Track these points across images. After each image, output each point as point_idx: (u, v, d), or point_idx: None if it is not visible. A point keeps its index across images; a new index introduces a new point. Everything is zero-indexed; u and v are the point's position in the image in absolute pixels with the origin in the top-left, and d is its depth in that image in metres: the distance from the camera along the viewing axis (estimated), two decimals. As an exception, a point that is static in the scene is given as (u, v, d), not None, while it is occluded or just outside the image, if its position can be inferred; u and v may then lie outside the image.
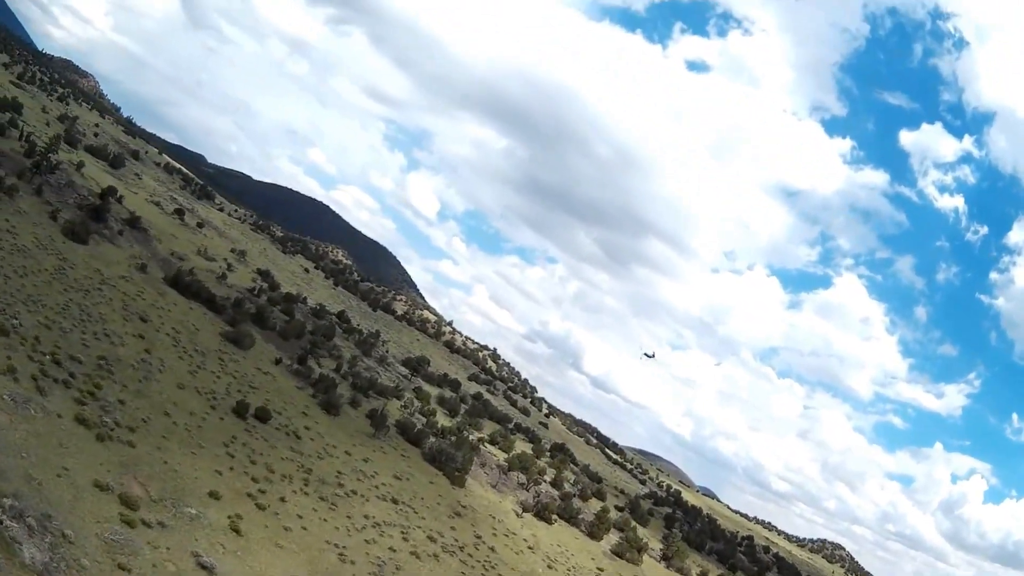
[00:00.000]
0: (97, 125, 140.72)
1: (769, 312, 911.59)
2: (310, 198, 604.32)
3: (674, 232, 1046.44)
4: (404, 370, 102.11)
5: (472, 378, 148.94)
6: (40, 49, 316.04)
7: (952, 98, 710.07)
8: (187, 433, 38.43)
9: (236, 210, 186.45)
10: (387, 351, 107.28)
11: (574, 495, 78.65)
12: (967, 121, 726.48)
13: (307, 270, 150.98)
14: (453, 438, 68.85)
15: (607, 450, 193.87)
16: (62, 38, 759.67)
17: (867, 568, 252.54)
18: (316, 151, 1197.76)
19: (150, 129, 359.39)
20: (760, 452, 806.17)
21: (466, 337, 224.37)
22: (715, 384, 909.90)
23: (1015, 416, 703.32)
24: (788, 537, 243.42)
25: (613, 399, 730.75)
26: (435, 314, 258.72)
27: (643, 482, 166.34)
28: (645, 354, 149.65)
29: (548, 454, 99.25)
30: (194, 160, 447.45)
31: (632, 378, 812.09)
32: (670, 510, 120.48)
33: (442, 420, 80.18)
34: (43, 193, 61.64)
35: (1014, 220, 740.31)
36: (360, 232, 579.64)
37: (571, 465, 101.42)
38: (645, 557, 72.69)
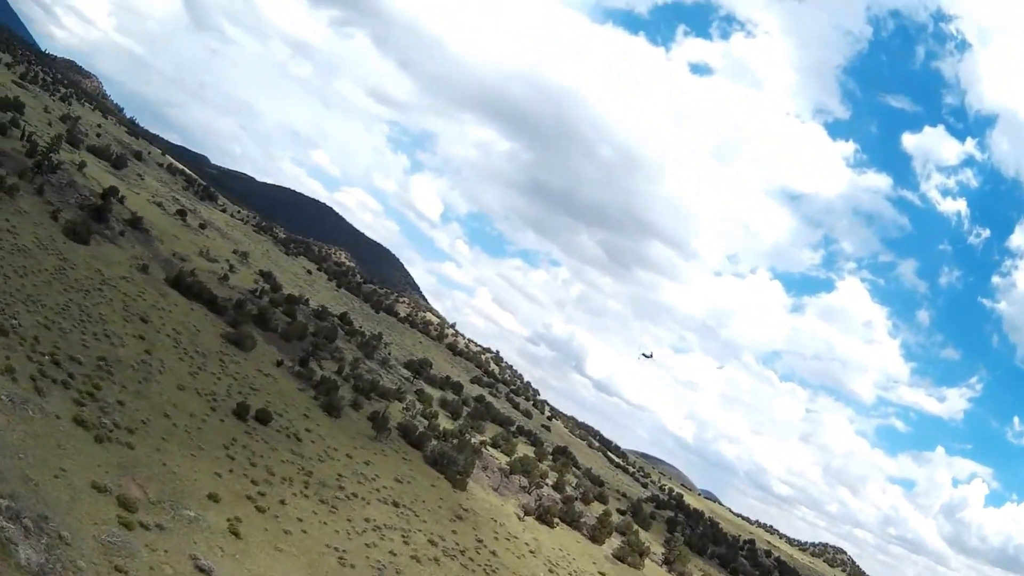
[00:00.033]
0: (100, 126, 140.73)
1: (772, 316, 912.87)
2: (313, 200, 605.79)
3: (677, 235, 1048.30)
4: (406, 372, 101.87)
5: (474, 381, 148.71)
6: (43, 50, 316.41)
7: (955, 101, 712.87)
8: (187, 435, 38.13)
9: (239, 211, 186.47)
10: (389, 353, 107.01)
11: (576, 498, 78.25)
12: (969, 124, 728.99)
13: (310, 272, 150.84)
14: (455, 441, 68.54)
15: (609, 453, 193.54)
16: (65, 39, 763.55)
17: (868, 572, 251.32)
18: (320, 153, 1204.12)
19: (153, 130, 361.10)
20: (762, 455, 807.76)
21: (469, 340, 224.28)
22: (717, 387, 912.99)
23: (1016, 420, 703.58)
24: (790, 541, 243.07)
25: (616, 402, 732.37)
26: (438, 316, 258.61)
27: (645, 485, 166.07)
28: (643, 354, 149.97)
29: (550, 457, 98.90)
30: (197, 161, 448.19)
31: (635, 381, 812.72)
32: (672, 514, 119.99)
33: (444, 423, 79.83)
34: (44, 193, 61.47)
35: (1016, 223, 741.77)
36: (363, 234, 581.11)
37: (573, 468, 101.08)
38: (647, 561, 72.28)
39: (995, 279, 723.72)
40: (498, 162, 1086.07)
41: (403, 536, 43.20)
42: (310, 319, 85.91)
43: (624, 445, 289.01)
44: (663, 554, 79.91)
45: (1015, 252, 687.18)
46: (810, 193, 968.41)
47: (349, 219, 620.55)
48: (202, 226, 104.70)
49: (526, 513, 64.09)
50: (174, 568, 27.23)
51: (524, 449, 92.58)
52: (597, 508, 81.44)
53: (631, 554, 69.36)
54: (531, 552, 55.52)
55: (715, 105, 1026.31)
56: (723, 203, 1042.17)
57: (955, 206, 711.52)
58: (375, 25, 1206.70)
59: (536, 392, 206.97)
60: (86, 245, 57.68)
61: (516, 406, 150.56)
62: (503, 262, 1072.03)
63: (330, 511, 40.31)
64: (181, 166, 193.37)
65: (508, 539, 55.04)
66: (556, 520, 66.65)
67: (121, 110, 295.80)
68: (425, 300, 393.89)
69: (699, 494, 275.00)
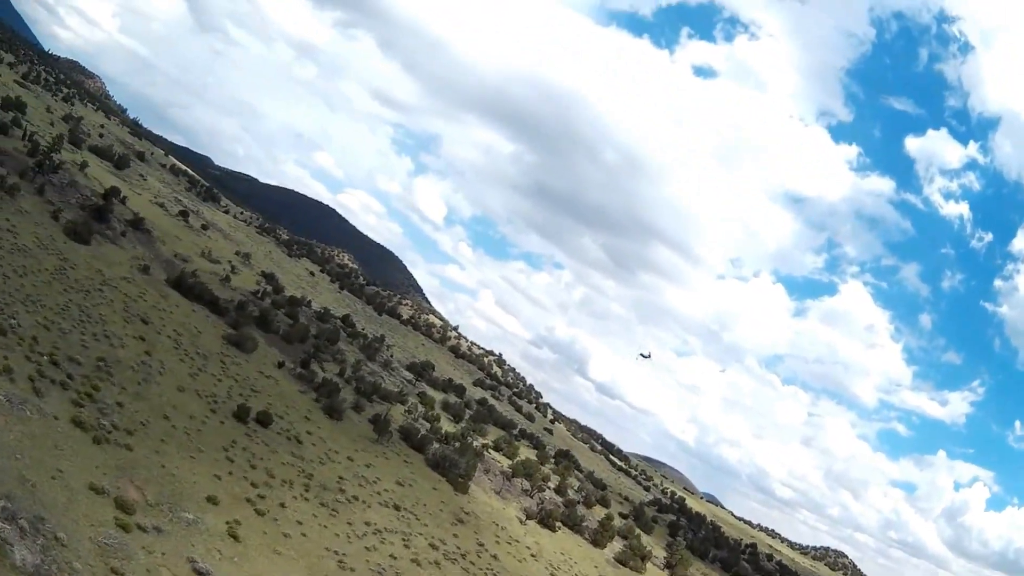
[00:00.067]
0: (102, 126, 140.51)
1: (774, 319, 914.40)
2: (317, 201, 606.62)
3: (680, 238, 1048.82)
4: (408, 375, 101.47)
5: (477, 383, 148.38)
6: (46, 50, 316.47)
7: (957, 103, 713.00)
8: (186, 437, 37.88)
9: (242, 212, 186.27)
10: (392, 355, 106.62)
11: (578, 502, 77.89)
12: (972, 127, 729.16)
13: (312, 273, 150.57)
14: (457, 444, 68.26)
15: (612, 457, 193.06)
16: (68, 39, 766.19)
17: None
18: (323, 155, 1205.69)
19: (157, 131, 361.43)
20: (764, 459, 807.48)
21: (471, 342, 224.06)
22: (720, 391, 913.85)
23: (1018, 424, 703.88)
24: (791, 544, 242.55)
25: (618, 405, 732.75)
26: (441, 319, 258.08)
27: (647, 489, 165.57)
28: (641, 354, 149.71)
29: (552, 460, 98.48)
30: (201, 162, 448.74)
31: (637, 384, 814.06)
32: (674, 517, 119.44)
33: (446, 426, 79.54)
34: (45, 193, 61.25)
35: (1018, 227, 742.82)
36: (366, 236, 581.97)
37: (575, 472, 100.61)
38: (649, 565, 71.97)
39: (997, 283, 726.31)
40: (502, 165, 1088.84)
41: (404, 539, 42.92)
42: (312, 321, 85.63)
43: (626, 448, 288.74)
44: (665, 558, 79.57)
45: (1017, 256, 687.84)
46: (813, 196, 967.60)
47: (352, 221, 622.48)
48: (204, 227, 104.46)
49: (528, 517, 63.79)
50: (171, 571, 26.97)
51: (526, 452, 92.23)
52: (599, 512, 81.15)
53: (633, 558, 69.06)
54: (532, 556, 55.23)
55: (718, 108, 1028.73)
56: (726, 206, 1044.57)
57: (957, 209, 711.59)
58: (380, 27, 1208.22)
59: (539, 395, 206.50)
60: (87, 245, 57.47)
61: (519, 409, 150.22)
62: (506, 265, 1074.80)
63: (330, 514, 40.04)
64: (184, 167, 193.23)
65: (509, 543, 54.76)
66: (558, 524, 66.36)
67: (124, 111, 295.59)
68: (428, 302, 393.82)
69: (701, 497, 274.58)
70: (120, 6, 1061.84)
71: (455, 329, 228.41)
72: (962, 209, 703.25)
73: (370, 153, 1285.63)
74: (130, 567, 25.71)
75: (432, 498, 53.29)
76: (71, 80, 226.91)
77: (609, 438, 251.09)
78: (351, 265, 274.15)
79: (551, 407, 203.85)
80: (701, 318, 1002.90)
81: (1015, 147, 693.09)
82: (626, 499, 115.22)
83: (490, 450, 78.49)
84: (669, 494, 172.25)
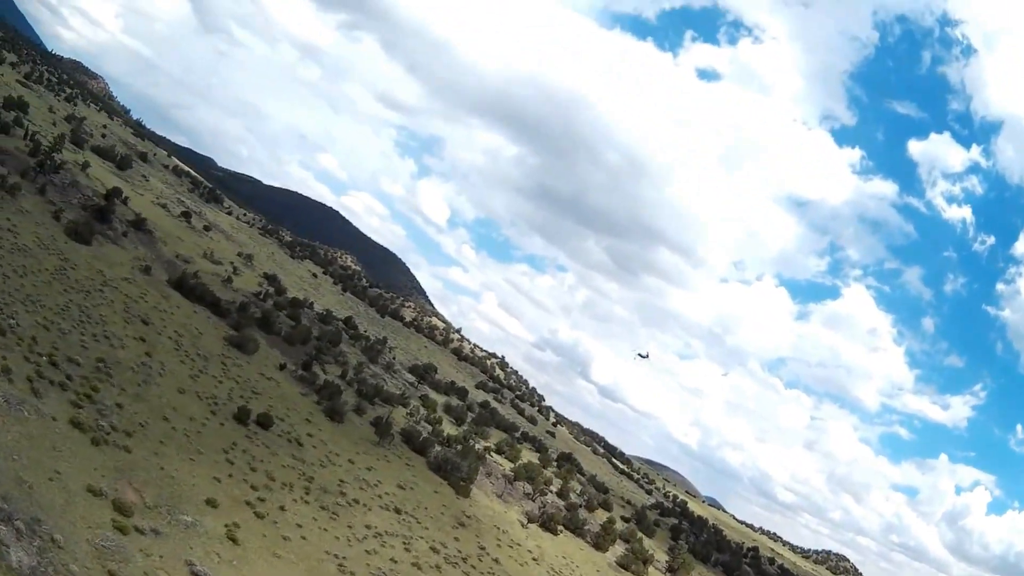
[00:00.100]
0: (105, 126, 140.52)
1: (777, 322, 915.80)
2: (320, 203, 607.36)
3: (683, 241, 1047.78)
4: (411, 377, 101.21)
5: (479, 386, 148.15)
6: (49, 50, 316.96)
7: (960, 107, 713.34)
8: (186, 439, 37.60)
9: (245, 214, 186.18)
10: (394, 358, 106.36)
11: (580, 505, 77.62)
12: (975, 130, 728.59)
13: (315, 275, 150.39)
14: (459, 447, 67.95)
15: (614, 460, 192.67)
16: (72, 40, 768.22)
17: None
18: (327, 156, 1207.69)
19: (160, 132, 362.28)
20: (766, 462, 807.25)
21: (474, 345, 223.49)
22: (722, 394, 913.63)
23: (1019, 427, 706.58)
24: (793, 548, 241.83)
25: (621, 408, 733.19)
26: (444, 321, 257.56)
27: (650, 492, 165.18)
28: (639, 354, 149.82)
29: (555, 464, 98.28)
30: (204, 163, 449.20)
31: (640, 387, 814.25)
32: (676, 521, 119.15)
33: (448, 428, 79.30)
34: (46, 192, 61.07)
35: (1021, 231, 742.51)
36: (370, 238, 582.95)
37: (578, 475, 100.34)
38: (651, 569, 71.73)
39: (999, 286, 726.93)
40: (505, 167, 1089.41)
41: (404, 543, 42.61)
42: (314, 323, 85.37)
43: (629, 451, 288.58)
44: (667, 562, 79.28)
45: (1019, 259, 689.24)
46: (816, 200, 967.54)
47: (356, 223, 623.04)
48: (207, 228, 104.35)
49: (529, 520, 63.48)
50: (169, 574, 26.66)
51: (528, 455, 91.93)
52: (601, 515, 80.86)
53: (635, 562, 68.75)
54: (534, 560, 54.93)
55: (722, 111, 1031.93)
56: (730, 209, 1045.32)
57: (960, 213, 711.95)
58: (384, 29, 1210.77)
59: (541, 398, 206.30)
60: (88, 245, 57.26)
61: (521, 412, 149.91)
62: (509, 267, 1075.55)
63: (331, 517, 39.74)
64: (187, 168, 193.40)
65: (511, 546, 54.44)
66: (560, 527, 66.06)
67: (128, 111, 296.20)
68: (431, 305, 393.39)
69: (703, 501, 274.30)
70: (123, 7, 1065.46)
71: (458, 331, 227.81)
72: (964, 213, 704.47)
73: (374, 155, 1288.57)
74: (127, 570, 25.41)
75: (433, 501, 52.99)
76: (74, 80, 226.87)
77: (611, 441, 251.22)
78: (354, 267, 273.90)
79: (553, 410, 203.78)
80: (704, 321, 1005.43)
81: (1017, 151, 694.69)
82: (628, 502, 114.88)
83: (492, 453, 78.20)
84: (671, 497, 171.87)
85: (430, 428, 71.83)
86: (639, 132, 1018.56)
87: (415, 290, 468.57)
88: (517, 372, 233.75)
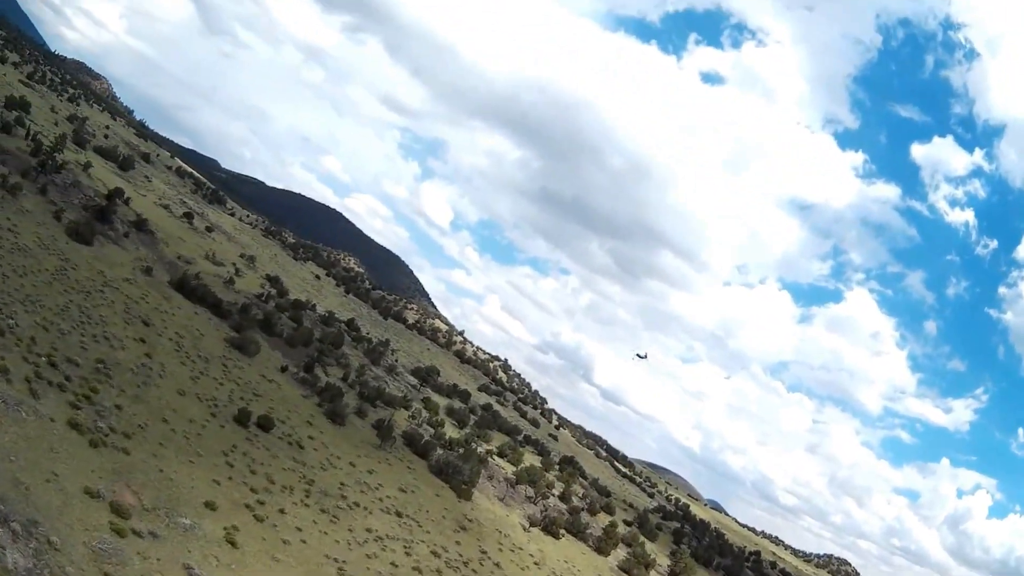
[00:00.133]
0: (107, 127, 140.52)
1: (780, 326, 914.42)
2: (323, 205, 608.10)
3: (687, 244, 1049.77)
4: (413, 380, 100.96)
5: (482, 389, 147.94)
6: (52, 50, 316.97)
7: (963, 110, 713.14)
8: (185, 441, 37.31)
9: (248, 215, 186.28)
10: (396, 360, 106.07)
11: (582, 509, 77.30)
12: (977, 134, 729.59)
13: (318, 277, 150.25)
14: (461, 450, 67.63)
15: (616, 463, 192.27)
16: (75, 40, 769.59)
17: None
18: (330, 159, 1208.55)
19: (164, 133, 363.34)
20: (768, 466, 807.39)
21: (477, 347, 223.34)
22: (725, 397, 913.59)
23: (1021, 431, 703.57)
24: (795, 552, 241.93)
25: (623, 411, 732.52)
26: (446, 323, 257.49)
27: (652, 496, 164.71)
28: (637, 355, 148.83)
29: (557, 467, 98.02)
30: (208, 165, 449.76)
31: (642, 390, 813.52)
32: (678, 524, 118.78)
33: (450, 431, 79.03)
34: (48, 192, 60.84)
35: (1023, 234, 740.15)
36: (373, 240, 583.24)
37: (580, 478, 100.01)
38: (652, 573, 71.34)
39: (1002, 290, 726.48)
40: (509, 170, 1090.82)
41: (405, 547, 42.32)
42: (316, 325, 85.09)
43: (631, 454, 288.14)
44: (669, 566, 78.85)
45: (1022, 263, 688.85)
46: (819, 203, 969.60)
47: (359, 225, 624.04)
48: (209, 229, 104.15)
49: (531, 524, 63.17)
50: (166, 577, 26.44)
51: (531, 458, 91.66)
52: (603, 519, 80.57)
53: (637, 566, 68.40)
54: (536, 564, 54.60)
55: (726, 114, 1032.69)
56: (733, 213, 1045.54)
57: (963, 217, 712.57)
58: (388, 32, 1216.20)
59: (544, 401, 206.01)
60: (89, 246, 57.01)
61: (523, 415, 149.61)
62: (513, 270, 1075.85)
63: (331, 521, 39.45)
64: (190, 169, 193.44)
65: (512, 550, 54.13)
66: (562, 531, 65.72)
67: (131, 112, 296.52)
68: (434, 307, 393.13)
69: (705, 504, 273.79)
70: (127, 7, 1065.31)
71: (461, 334, 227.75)
72: (967, 216, 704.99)
73: (377, 158, 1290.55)
74: (124, 573, 25.17)
75: (435, 505, 52.69)
76: (77, 81, 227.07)
77: (614, 444, 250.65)
78: (357, 269, 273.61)
79: (556, 413, 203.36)
80: (707, 324, 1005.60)
81: (1020, 154, 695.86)
82: (630, 506, 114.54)
83: (494, 456, 77.89)
84: (674, 501, 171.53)
85: (432, 431, 71.58)
86: (642, 135, 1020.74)
87: (418, 292, 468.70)
88: (520, 375, 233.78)
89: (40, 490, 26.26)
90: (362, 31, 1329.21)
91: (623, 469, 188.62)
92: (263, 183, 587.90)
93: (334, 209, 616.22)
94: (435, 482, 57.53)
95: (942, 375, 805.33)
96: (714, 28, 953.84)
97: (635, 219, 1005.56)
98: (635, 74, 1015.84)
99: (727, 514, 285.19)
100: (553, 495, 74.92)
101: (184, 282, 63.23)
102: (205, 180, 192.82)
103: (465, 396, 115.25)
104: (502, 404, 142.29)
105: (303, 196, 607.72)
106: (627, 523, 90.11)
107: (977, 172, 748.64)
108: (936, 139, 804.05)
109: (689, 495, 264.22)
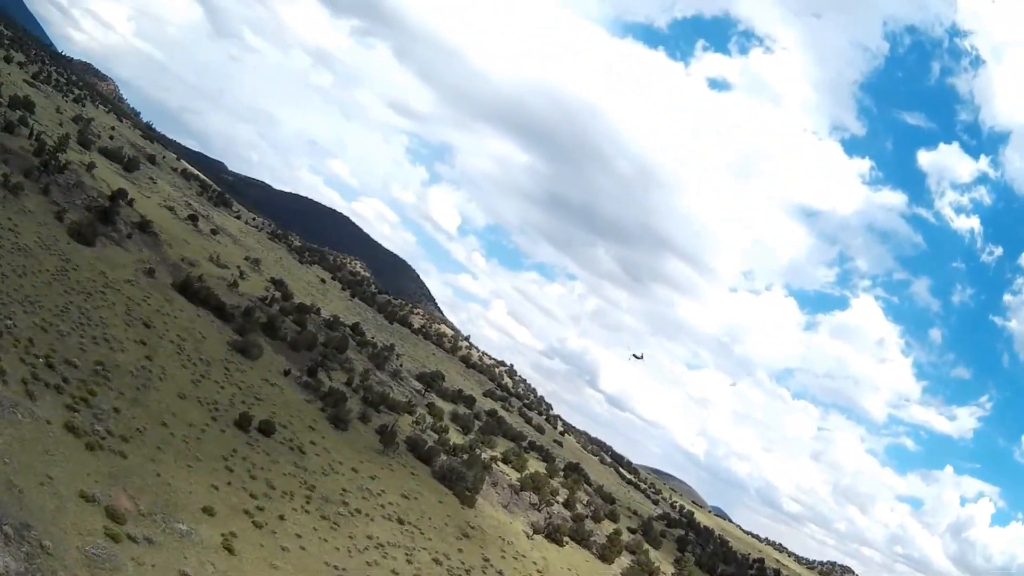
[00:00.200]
0: (113, 128, 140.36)
1: (786, 333, 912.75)
2: (330, 209, 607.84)
3: (693, 251, 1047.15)
4: (418, 385, 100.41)
5: (487, 394, 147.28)
6: (59, 51, 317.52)
7: (969, 117, 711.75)
8: (184, 445, 36.77)
9: (254, 218, 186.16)
10: (401, 365, 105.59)
11: (586, 516, 76.62)
12: (983, 141, 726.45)
13: (323, 281, 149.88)
14: (465, 456, 67.05)
15: (621, 469, 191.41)
16: (83, 41, 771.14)
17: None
18: (338, 162, 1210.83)
19: (171, 135, 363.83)
20: (773, 473, 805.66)
21: (483, 352, 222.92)
22: (730, 404, 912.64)
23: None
24: (798, 559, 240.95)
25: (629, 417, 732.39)
26: (452, 328, 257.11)
27: (656, 502, 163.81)
28: (633, 355, 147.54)
29: (561, 473, 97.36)
30: (215, 168, 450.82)
31: (648, 397, 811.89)
32: (683, 531, 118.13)
33: (455, 437, 78.39)
34: (50, 193, 60.53)
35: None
36: (380, 244, 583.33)
37: (585, 485, 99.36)
38: (658, 582, 70.73)
39: (1007, 297, 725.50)
40: (516, 175, 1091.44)
41: (407, 554, 41.69)
42: (321, 329, 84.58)
43: (636, 461, 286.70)
44: (673, 573, 78.23)
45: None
46: (826, 210, 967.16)
47: (366, 229, 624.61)
48: (214, 232, 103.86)
49: (535, 531, 62.59)
50: (161, 584, 25.89)
51: (535, 465, 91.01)
52: (608, 526, 79.94)
53: (641, 573, 67.76)
54: (539, 572, 53.98)
55: (733, 121, 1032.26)
56: (740, 219, 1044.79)
57: (968, 224, 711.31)
58: (396, 36, 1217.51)
59: (549, 406, 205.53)
60: (91, 247, 56.66)
61: (528, 420, 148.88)
62: (519, 275, 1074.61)
63: (331, 527, 38.85)
64: (196, 171, 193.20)
65: (516, 558, 53.51)
66: (566, 538, 65.20)
67: (138, 114, 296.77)
68: (440, 312, 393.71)
69: (709, 511, 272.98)
70: (135, 9, 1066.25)
71: (466, 339, 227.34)
72: (973, 223, 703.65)
73: (385, 162, 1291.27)
74: (118, 579, 24.65)
75: (438, 511, 52.08)
76: (83, 82, 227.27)
77: (619, 450, 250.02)
78: (363, 273, 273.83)
79: (561, 419, 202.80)
80: (712, 331, 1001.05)
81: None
82: (635, 513, 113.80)
83: (498, 462, 77.29)
84: (678, 508, 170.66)
85: (436, 437, 71.00)
86: (650, 141, 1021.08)
87: (424, 297, 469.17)
88: (525, 380, 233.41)
89: (34, 493, 25.73)
90: (371, 35, 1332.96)
91: (628, 475, 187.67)
92: (270, 186, 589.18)
93: (341, 213, 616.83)
94: (438, 488, 56.95)
95: (947, 383, 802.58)
96: (722, 35, 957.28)
97: (642, 225, 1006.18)
98: (642, 80, 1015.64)
99: (731, 521, 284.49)
100: (557, 502, 74.32)
101: (187, 284, 62.85)
102: (211, 182, 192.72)
103: (470, 401, 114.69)
104: (507, 410, 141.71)
105: (310, 200, 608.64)
106: (631, 530, 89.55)
107: (983, 179, 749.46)
108: (942, 146, 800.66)
109: (693, 502, 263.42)
